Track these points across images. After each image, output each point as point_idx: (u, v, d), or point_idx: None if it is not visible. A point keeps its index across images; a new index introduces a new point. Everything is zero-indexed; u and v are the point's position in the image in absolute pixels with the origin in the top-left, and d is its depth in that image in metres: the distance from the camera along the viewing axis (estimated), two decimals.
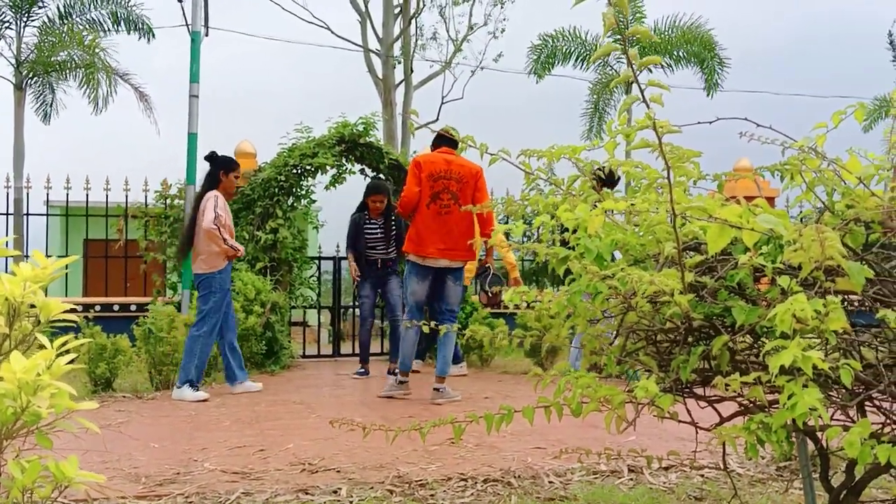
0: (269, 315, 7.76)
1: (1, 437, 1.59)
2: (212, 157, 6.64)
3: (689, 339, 2.07)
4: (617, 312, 2.21)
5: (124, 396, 5.99)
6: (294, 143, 8.83)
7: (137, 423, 4.84)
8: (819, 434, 2.07)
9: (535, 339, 3.48)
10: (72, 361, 1.63)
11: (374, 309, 8.00)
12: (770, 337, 1.94)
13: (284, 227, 8.57)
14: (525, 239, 5.74)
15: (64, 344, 1.65)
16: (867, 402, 1.93)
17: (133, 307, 9.01)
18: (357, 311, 9.74)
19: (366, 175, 9.30)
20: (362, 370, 7.59)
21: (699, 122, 2.10)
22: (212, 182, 6.50)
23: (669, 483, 3.35)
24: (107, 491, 2.95)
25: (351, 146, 8.91)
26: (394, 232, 7.62)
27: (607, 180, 6.32)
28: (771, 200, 11.28)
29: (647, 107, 1.65)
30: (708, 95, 10.43)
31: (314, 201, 8.93)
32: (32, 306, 1.73)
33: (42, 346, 1.65)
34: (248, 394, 6.12)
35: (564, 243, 2.38)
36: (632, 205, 1.91)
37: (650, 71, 10.61)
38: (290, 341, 8.55)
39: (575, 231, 2.22)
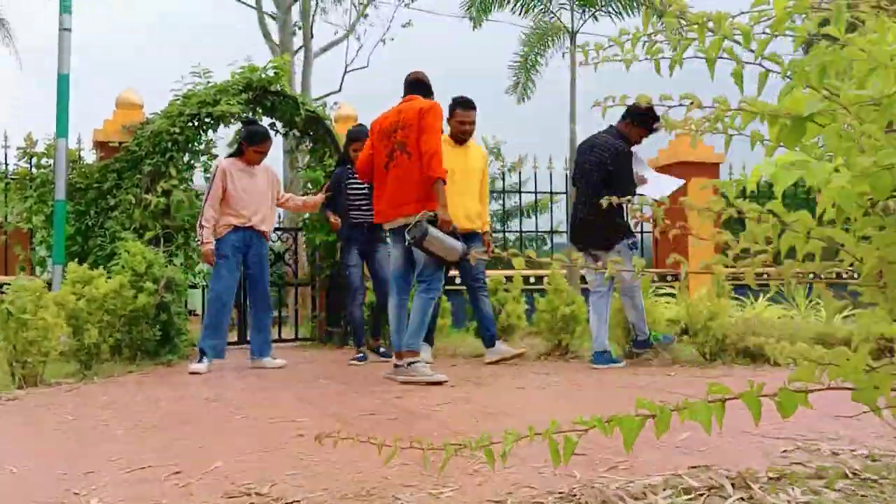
0: (164, 293, 6.35)
1: None
2: (245, 122, 6.49)
3: None
4: None
5: None
6: (190, 90, 7.41)
7: None
8: None
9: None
10: None
11: (363, 280, 6.72)
12: None
13: (179, 188, 7.16)
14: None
15: None
16: None
17: None
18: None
19: (276, 130, 7.97)
20: (360, 355, 6.34)
21: None
22: (236, 151, 6.19)
23: (797, 501, 2.30)
24: None
25: (260, 94, 7.57)
26: None
27: (645, 119, 5.51)
28: (715, 167, 10.58)
29: None
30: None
31: (215, 156, 7.49)
32: None
33: None
34: (144, 391, 4.76)
35: None
36: None
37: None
38: (188, 326, 7.14)
39: None
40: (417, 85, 5.19)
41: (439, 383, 4.65)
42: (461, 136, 6.05)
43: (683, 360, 5.59)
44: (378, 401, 4.09)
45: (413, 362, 4.84)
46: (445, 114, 5.51)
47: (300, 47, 17.89)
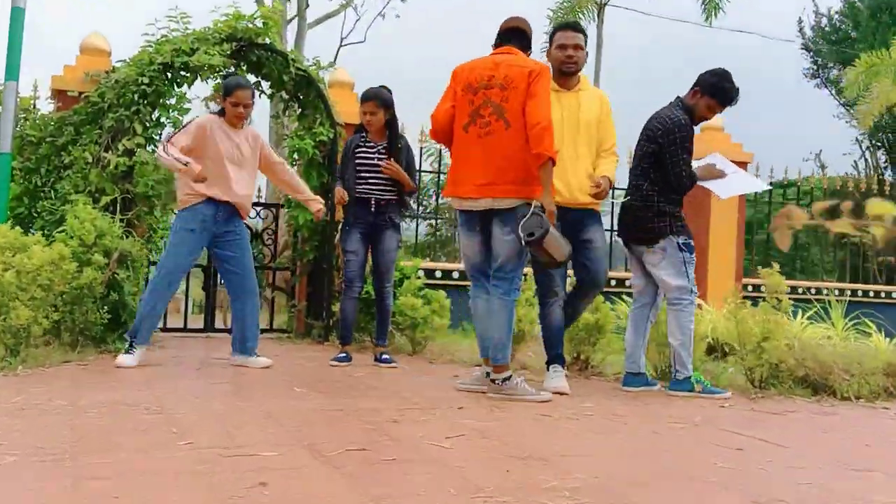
0: (116, 269, 5.39)
1: None
2: (225, 76, 5.54)
3: None
4: None
5: None
6: (164, 36, 6.41)
7: None
8: None
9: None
10: None
11: (364, 269, 5.54)
12: None
13: (145, 148, 6.17)
14: None
15: None
16: None
17: None
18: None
19: (262, 91, 7.00)
20: (343, 355, 5.39)
21: None
22: (220, 111, 5.09)
23: None
24: None
25: (245, 47, 6.58)
26: (398, 161, 5.39)
27: (717, 89, 4.54)
28: (743, 166, 9.70)
29: None
30: (706, 20, 8.71)
31: (187, 111, 6.45)
32: None
33: None
34: (72, 392, 3.80)
35: None
36: None
37: None
38: None
39: None
40: (516, 34, 4.20)
41: (546, 401, 3.96)
42: (567, 69, 4.50)
43: (727, 386, 4.69)
44: (367, 426, 3.15)
45: (507, 378, 4.04)
46: None
47: (294, 16, 16.85)
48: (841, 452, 3.14)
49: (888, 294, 10.87)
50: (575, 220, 4.41)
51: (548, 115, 3.89)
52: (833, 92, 23.36)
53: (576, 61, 4.50)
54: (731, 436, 3.29)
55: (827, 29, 23.29)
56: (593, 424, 3.45)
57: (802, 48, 23.65)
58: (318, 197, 5.48)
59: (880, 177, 16.71)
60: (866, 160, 23.24)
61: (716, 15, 8.42)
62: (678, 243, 4.44)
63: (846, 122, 23.50)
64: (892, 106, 10.12)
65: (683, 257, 4.44)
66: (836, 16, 23.36)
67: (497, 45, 4.22)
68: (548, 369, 4.49)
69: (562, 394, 4.22)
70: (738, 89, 4.52)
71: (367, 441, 2.86)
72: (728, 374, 4.95)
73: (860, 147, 23.48)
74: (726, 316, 5.24)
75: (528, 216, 3.85)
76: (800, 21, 24.01)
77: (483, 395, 4.06)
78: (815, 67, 23.55)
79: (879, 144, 22.94)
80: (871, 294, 10.71)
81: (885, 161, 22.86)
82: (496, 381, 4.03)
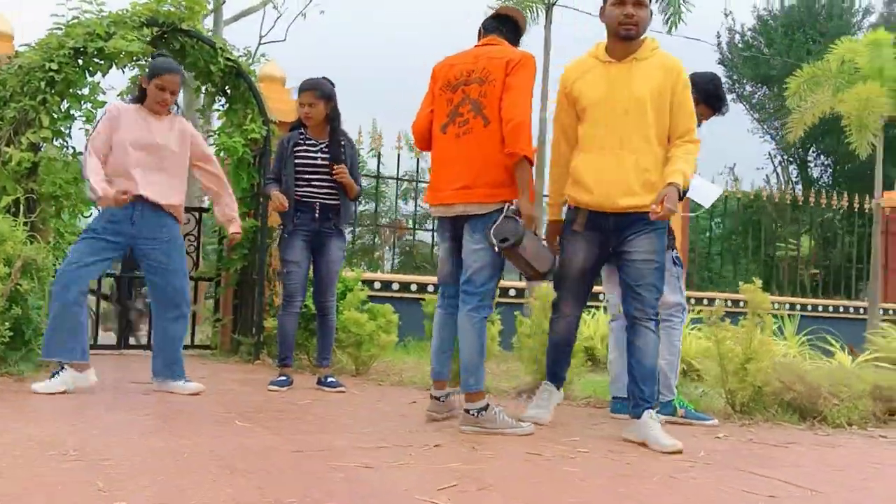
0: (18, 279, 4.68)
1: None
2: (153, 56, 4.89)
3: None
4: None
5: None
6: (75, 17, 5.71)
7: None
8: None
9: None
10: None
11: (307, 281, 4.94)
12: None
13: (52, 143, 5.47)
14: None
15: None
16: None
17: None
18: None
19: (186, 85, 6.36)
20: (283, 378, 4.76)
21: None
22: (138, 96, 4.47)
23: None
24: None
25: (167, 33, 5.94)
26: (343, 161, 4.81)
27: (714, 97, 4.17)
28: None
29: None
30: (668, 31, 8.52)
31: (102, 104, 5.75)
32: None
33: None
34: None
35: None
36: None
37: None
38: None
39: None
40: (505, 22, 3.77)
41: (528, 434, 3.53)
42: (626, 32, 3.54)
43: (707, 410, 4.34)
44: (338, 474, 2.62)
45: (483, 409, 3.54)
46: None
47: (210, 11, 16.04)
48: (880, 499, 2.80)
49: (836, 308, 10.89)
50: (609, 229, 3.59)
51: (524, 110, 3.50)
52: (747, 107, 23.84)
53: (636, 22, 3.52)
54: (751, 478, 2.91)
55: (740, 45, 23.73)
56: (595, 465, 3.01)
57: (719, 63, 24.05)
58: (238, 220, 4.82)
59: (791, 191, 17.05)
60: (778, 175, 23.82)
61: (677, 24, 8.29)
62: (673, 257, 4.11)
63: (759, 137, 24.05)
64: (824, 117, 10.14)
65: (678, 272, 4.11)
66: (750, 32, 23.85)
67: (482, 36, 3.80)
68: (640, 415, 3.61)
69: (538, 423, 3.77)
70: (726, 98, 4.28)
71: (346, 497, 2.34)
72: (706, 398, 4.62)
73: (772, 162, 24.07)
74: (705, 335, 4.92)
75: (500, 220, 3.46)
76: (718, 35, 24.41)
77: (456, 429, 3.57)
78: (730, 82, 23.95)
79: (791, 160, 23.54)
80: (810, 308, 10.69)
81: (797, 176, 23.47)
82: (471, 412, 3.55)
